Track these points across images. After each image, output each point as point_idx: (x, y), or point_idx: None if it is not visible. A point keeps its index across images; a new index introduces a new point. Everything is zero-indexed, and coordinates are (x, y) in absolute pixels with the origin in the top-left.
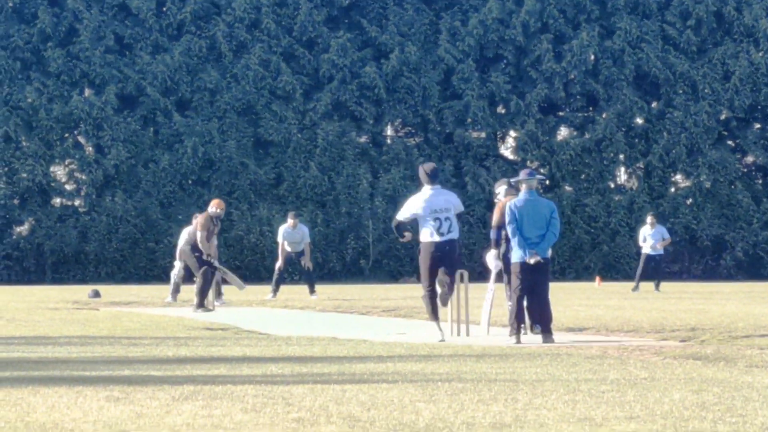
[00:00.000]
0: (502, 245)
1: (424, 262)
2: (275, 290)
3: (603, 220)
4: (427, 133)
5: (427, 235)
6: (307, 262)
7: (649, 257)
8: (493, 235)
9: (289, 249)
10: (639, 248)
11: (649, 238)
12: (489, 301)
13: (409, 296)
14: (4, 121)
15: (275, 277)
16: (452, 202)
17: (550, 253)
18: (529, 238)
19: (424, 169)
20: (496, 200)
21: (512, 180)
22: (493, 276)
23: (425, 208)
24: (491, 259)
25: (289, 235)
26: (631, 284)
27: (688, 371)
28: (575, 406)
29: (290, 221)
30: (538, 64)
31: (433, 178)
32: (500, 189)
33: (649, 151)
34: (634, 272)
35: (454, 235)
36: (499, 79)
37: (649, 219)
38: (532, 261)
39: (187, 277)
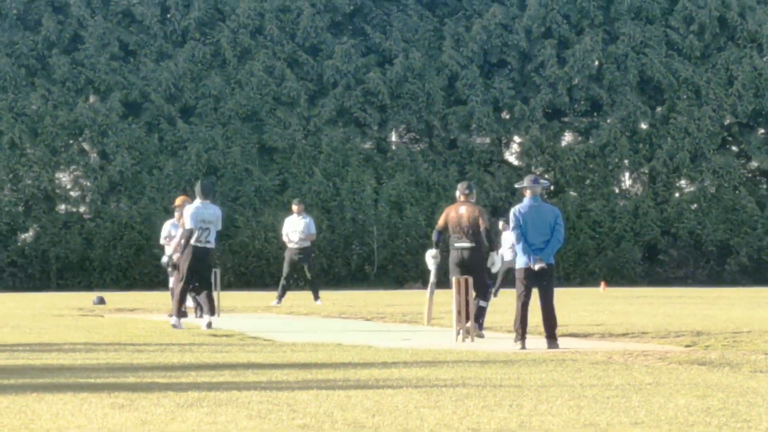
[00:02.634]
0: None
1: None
2: (280, 297)
3: (608, 225)
4: (431, 139)
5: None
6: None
7: None
8: (434, 236)
9: (293, 244)
10: None
11: None
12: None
13: (414, 302)
14: (9, 127)
15: (281, 283)
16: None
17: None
18: (534, 243)
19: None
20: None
21: (516, 185)
22: (432, 274)
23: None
24: (429, 258)
25: (293, 223)
26: (636, 289)
27: (693, 376)
28: (580, 411)
29: (295, 208)
30: (541, 69)
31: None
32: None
33: (654, 156)
34: (638, 277)
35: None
36: (503, 85)
37: None
38: (536, 267)
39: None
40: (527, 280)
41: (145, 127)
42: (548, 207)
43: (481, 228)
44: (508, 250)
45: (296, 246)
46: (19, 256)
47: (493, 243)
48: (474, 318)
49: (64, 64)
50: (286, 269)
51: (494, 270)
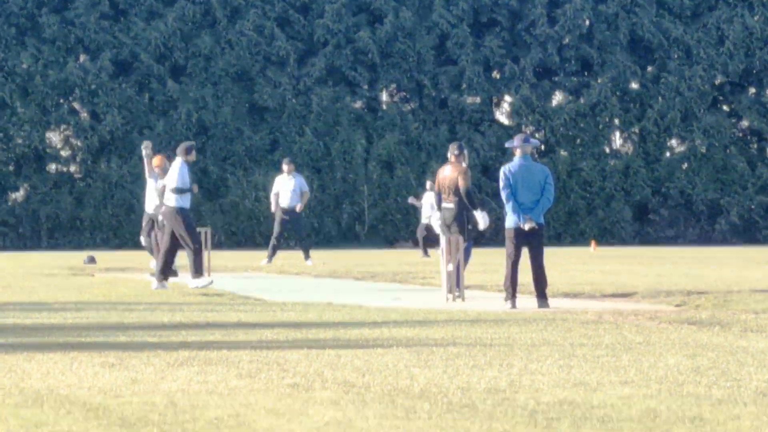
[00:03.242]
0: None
1: None
2: (271, 256)
3: (598, 185)
4: (422, 98)
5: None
6: (301, 207)
7: None
8: (435, 200)
9: (284, 203)
10: None
11: None
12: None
13: (405, 261)
14: (0, 87)
15: (272, 243)
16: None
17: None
18: (524, 203)
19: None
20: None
21: (507, 144)
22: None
23: None
24: (434, 222)
25: (284, 183)
26: (626, 249)
27: (683, 336)
28: (570, 370)
29: (285, 167)
30: (532, 28)
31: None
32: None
33: (644, 115)
34: (628, 237)
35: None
36: (494, 44)
37: None
38: (527, 227)
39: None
40: (517, 239)
41: (136, 87)
42: (538, 166)
43: (461, 188)
44: (428, 208)
45: (287, 206)
46: (9, 216)
47: (474, 203)
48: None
49: (54, 23)
50: (276, 229)
51: (480, 227)
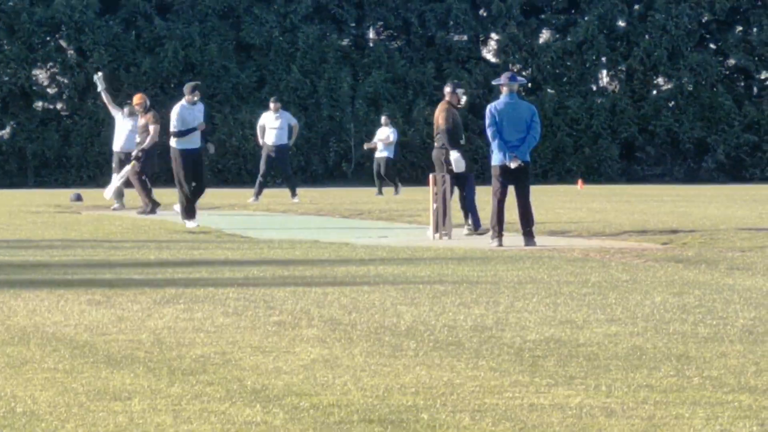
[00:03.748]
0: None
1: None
2: (258, 194)
3: (585, 123)
4: (409, 36)
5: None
6: (290, 141)
7: None
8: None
9: (269, 141)
10: None
11: None
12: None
13: (391, 200)
14: None
15: (258, 180)
16: None
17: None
18: (510, 141)
19: None
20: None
21: (493, 82)
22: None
23: None
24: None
25: (270, 120)
26: (613, 187)
27: (670, 274)
28: (556, 308)
29: (272, 105)
30: None
31: None
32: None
33: (631, 53)
34: (615, 175)
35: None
36: None
37: None
38: (513, 165)
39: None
40: (503, 177)
41: (122, 24)
42: (525, 104)
43: (440, 126)
44: (380, 143)
45: (272, 144)
46: None
47: (451, 143)
48: (464, 214)
49: None
50: (262, 167)
51: (454, 170)
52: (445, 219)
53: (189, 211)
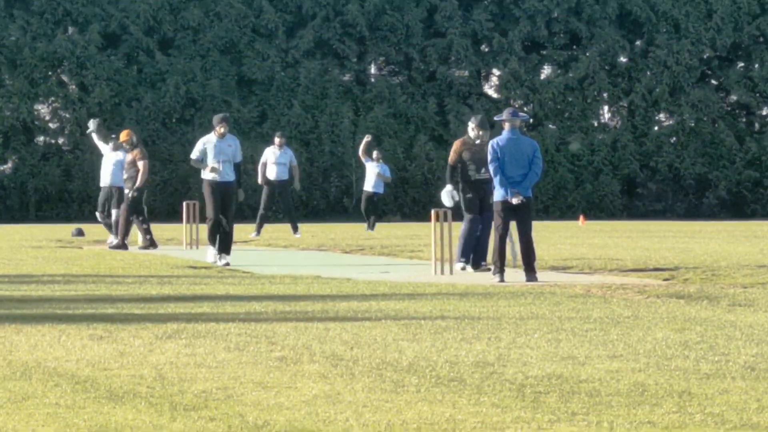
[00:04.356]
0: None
1: None
2: (259, 229)
3: (586, 159)
4: (410, 72)
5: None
6: (296, 184)
7: None
8: (448, 171)
9: (271, 176)
10: None
11: None
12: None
13: (393, 235)
14: None
15: (260, 215)
16: None
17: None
18: (512, 177)
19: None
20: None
21: (495, 118)
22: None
23: None
24: (445, 196)
25: (275, 155)
26: (615, 223)
27: (672, 310)
28: (558, 344)
29: (277, 140)
30: (521, 1)
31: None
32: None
33: (632, 89)
34: (617, 211)
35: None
36: (482, 17)
37: None
38: (515, 201)
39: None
40: (505, 213)
41: (124, 59)
42: (527, 140)
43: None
44: (370, 178)
45: (275, 179)
46: None
47: (447, 178)
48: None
49: None
50: (265, 201)
51: (445, 204)
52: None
53: (213, 243)
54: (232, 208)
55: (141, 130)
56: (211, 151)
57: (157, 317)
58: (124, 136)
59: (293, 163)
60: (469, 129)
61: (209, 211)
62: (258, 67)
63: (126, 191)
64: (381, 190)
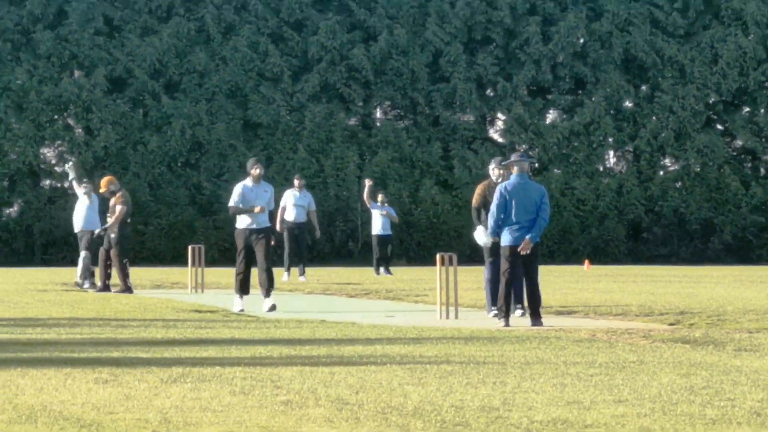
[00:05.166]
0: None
1: None
2: (288, 269)
3: (592, 204)
4: (415, 116)
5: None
6: (316, 233)
7: None
8: (474, 213)
9: (290, 218)
10: None
11: None
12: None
13: (398, 279)
14: None
15: (288, 256)
16: None
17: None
18: (519, 222)
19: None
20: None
21: (503, 162)
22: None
23: None
24: (480, 235)
25: (296, 197)
26: (620, 267)
27: (677, 355)
28: (564, 389)
29: (296, 183)
30: (526, 46)
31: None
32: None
33: (638, 134)
34: (622, 255)
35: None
36: (487, 62)
37: None
38: (523, 252)
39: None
40: (512, 257)
41: (130, 103)
42: (535, 185)
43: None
44: (377, 222)
45: (293, 221)
46: (3, 231)
47: (474, 219)
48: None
49: (49, 39)
50: (289, 242)
51: (480, 243)
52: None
53: (243, 290)
54: (269, 253)
55: (146, 173)
56: (249, 198)
57: (162, 361)
58: (103, 184)
59: (311, 207)
60: (491, 171)
61: (239, 262)
62: (263, 110)
63: (111, 234)
64: (390, 232)
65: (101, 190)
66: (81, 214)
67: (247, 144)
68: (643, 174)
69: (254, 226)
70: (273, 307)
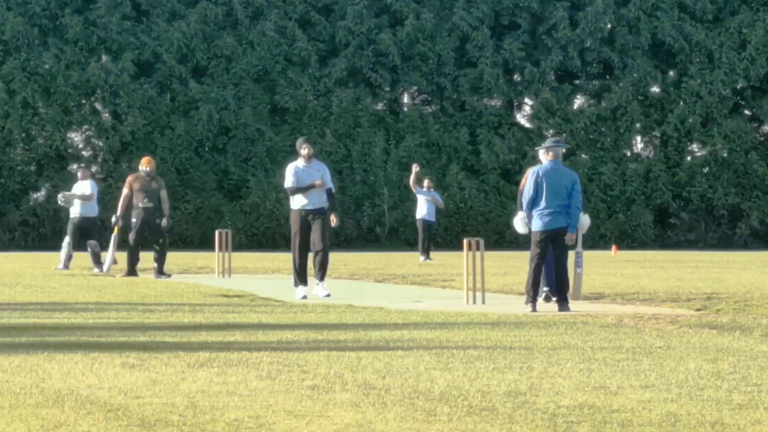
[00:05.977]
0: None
1: None
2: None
3: (619, 189)
4: (442, 101)
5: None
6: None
7: None
8: (519, 198)
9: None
10: None
11: None
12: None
13: (425, 263)
14: (23, 87)
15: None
16: None
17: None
18: (550, 207)
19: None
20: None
21: (537, 148)
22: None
23: None
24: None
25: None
26: (647, 253)
27: (704, 340)
28: (590, 374)
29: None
30: (553, 31)
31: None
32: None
33: (665, 120)
34: (649, 241)
35: None
36: (514, 47)
37: None
38: (571, 243)
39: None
40: (543, 243)
41: (157, 88)
42: (567, 171)
43: None
44: (422, 207)
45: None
46: (31, 216)
47: (519, 204)
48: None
49: (77, 23)
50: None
51: (519, 231)
52: (481, 283)
53: (302, 279)
54: (326, 234)
55: (174, 158)
56: (302, 178)
57: (189, 345)
58: (150, 164)
59: (328, 185)
60: (540, 154)
61: (294, 248)
62: (291, 95)
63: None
64: (434, 219)
65: (147, 168)
66: (88, 205)
67: (274, 129)
68: (671, 159)
69: (309, 207)
70: (327, 296)
